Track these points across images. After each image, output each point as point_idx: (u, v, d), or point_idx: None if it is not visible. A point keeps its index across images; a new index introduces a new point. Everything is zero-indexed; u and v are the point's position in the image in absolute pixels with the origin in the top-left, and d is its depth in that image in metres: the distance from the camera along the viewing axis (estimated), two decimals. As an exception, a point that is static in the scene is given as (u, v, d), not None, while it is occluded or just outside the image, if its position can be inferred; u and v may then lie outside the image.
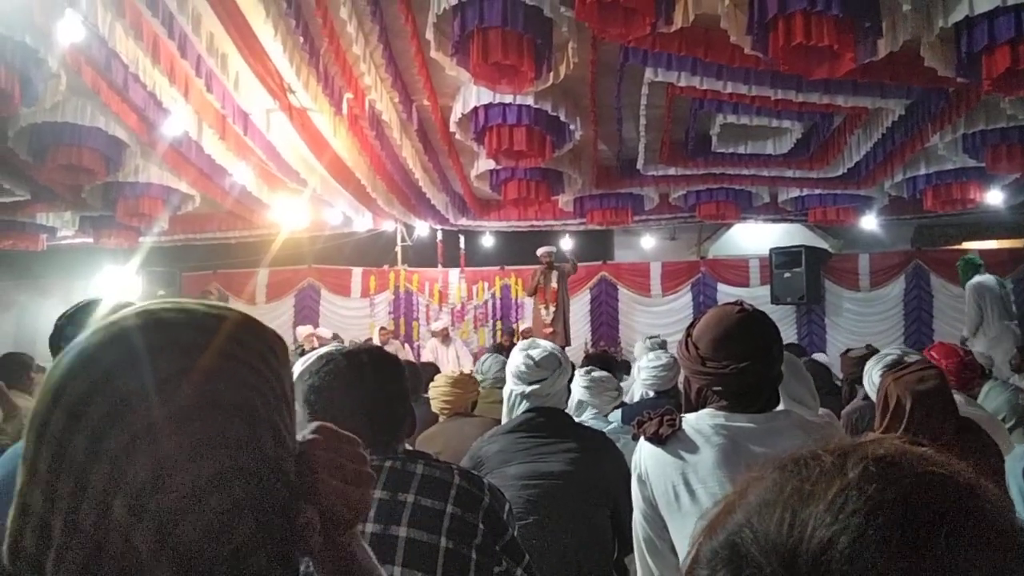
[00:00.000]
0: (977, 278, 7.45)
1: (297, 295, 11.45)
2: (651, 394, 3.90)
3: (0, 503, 1.76)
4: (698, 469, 1.66)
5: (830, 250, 11.17)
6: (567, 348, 9.58)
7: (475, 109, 5.78)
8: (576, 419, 3.19)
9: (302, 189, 7.52)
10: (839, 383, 5.22)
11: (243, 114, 5.54)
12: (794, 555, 0.45)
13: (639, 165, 7.58)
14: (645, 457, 1.75)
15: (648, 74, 5.30)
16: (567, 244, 11.06)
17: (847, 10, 3.81)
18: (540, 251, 9.59)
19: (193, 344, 0.64)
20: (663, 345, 5.98)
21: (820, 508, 0.46)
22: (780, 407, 1.79)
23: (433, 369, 5.21)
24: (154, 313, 0.66)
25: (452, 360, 9.47)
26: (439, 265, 11.48)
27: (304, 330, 9.69)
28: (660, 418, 1.75)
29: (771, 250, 10.61)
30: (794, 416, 1.77)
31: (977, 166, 7.08)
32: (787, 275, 10.36)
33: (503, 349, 7.31)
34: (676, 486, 1.67)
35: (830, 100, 5.45)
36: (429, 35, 4.48)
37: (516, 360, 2.48)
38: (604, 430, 2.92)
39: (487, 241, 11.03)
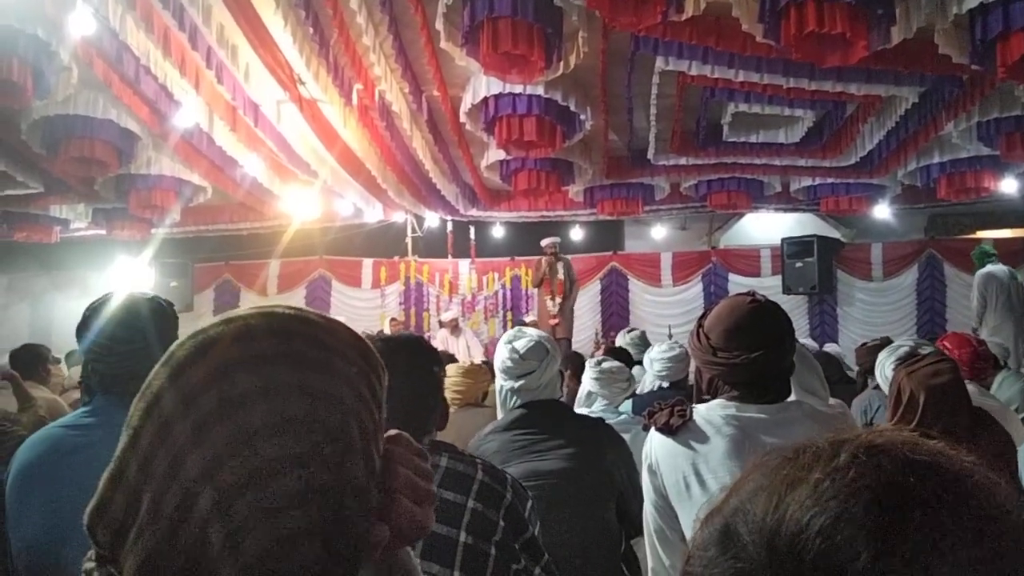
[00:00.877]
0: (987, 268, 7.38)
1: (308, 286, 11.49)
2: (664, 385, 3.91)
3: (24, 487, 1.77)
4: (709, 460, 1.66)
5: (842, 240, 11.09)
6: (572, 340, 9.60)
7: (485, 99, 5.76)
8: (586, 410, 3.20)
9: (313, 180, 7.53)
10: (850, 373, 5.21)
11: (254, 106, 5.55)
12: (774, 535, 0.47)
13: (650, 155, 7.54)
14: (656, 448, 1.75)
15: (659, 63, 5.26)
16: (577, 234, 11.04)
17: (860, -3, 3.79)
18: (544, 242, 9.52)
19: (309, 359, 0.64)
20: (643, 337, 5.96)
21: (803, 492, 0.48)
22: (792, 397, 1.79)
23: (446, 359, 5.22)
24: (277, 317, 0.67)
25: (462, 351, 9.47)
26: (449, 256, 11.48)
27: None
28: (671, 409, 1.75)
29: (783, 240, 10.54)
30: (806, 406, 1.76)
31: (991, 154, 7.01)
32: (799, 265, 10.27)
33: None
34: (687, 476, 1.67)
35: (843, 88, 5.40)
36: (439, 25, 4.46)
37: (502, 354, 2.35)
38: (614, 421, 2.92)
39: (497, 232, 11.01)
